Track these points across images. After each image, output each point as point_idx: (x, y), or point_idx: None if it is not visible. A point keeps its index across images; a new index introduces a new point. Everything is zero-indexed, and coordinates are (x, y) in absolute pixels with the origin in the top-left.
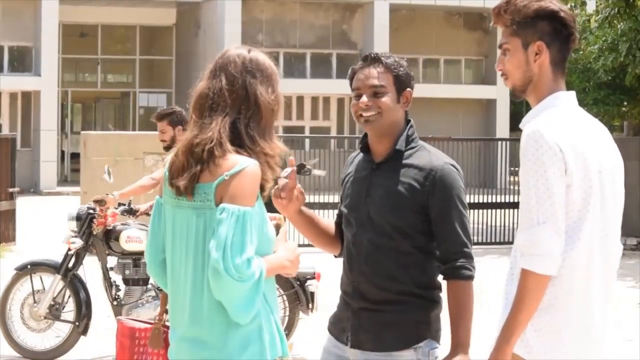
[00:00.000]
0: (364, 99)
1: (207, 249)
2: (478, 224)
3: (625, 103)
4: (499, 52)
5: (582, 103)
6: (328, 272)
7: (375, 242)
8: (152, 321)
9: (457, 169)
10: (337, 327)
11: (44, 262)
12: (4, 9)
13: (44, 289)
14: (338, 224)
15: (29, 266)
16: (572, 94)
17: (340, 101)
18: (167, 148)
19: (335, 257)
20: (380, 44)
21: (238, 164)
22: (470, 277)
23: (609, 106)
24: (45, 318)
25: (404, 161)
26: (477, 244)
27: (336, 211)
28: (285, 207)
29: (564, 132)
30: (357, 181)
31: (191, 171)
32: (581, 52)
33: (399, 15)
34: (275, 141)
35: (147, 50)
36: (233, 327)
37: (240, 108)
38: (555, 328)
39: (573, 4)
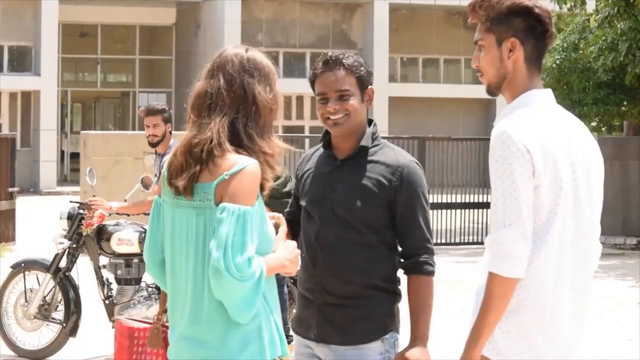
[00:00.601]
0: (331, 103)
1: (208, 248)
2: (477, 223)
3: (625, 103)
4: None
5: (581, 103)
6: None
7: (341, 237)
8: (151, 321)
9: (420, 167)
10: (303, 326)
11: (37, 260)
12: (4, 9)
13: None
14: (290, 221)
15: (22, 264)
16: (547, 92)
17: None
18: (155, 144)
19: None
20: (380, 44)
21: (238, 163)
22: (432, 273)
23: (608, 106)
24: (35, 318)
25: (369, 158)
26: (478, 243)
27: None
28: None
29: (533, 132)
30: (319, 177)
31: (190, 171)
32: (581, 52)
33: (398, 14)
34: (275, 140)
35: (147, 50)
36: (233, 327)
37: (238, 108)
38: (523, 330)
39: (572, 4)
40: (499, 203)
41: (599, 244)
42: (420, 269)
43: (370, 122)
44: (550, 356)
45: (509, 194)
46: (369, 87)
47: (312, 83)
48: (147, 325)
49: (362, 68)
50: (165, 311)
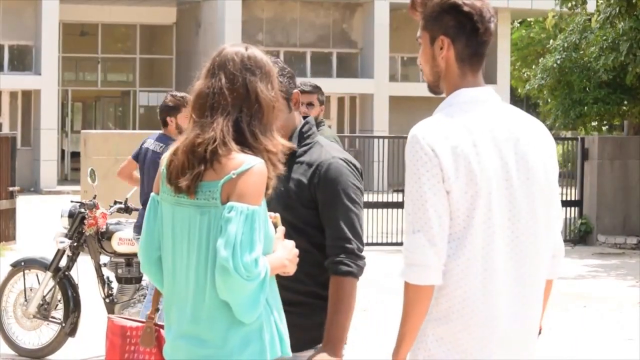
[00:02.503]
0: None
1: (212, 247)
2: None
3: (625, 102)
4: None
5: (582, 102)
6: None
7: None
8: (143, 319)
9: (348, 163)
10: None
11: (37, 259)
12: (4, 8)
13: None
14: None
15: (22, 263)
16: (480, 90)
17: (341, 100)
18: None
19: None
20: (381, 43)
21: (245, 162)
22: (349, 274)
23: (609, 105)
24: (34, 317)
25: (297, 159)
26: None
27: None
28: None
29: (444, 135)
30: None
31: (194, 170)
32: (581, 52)
33: (399, 14)
34: (278, 138)
35: (147, 49)
36: (234, 326)
37: (241, 106)
38: (454, 337)
39: (573, 3)
40: (409, 209)
41: (560, 243)
42: (334, 268)
43: (305, 120)
44: None
45: (416, 199)
46: (295, 91)
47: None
48: (140, 324)
49: (286, 71)
50: (157, 310)
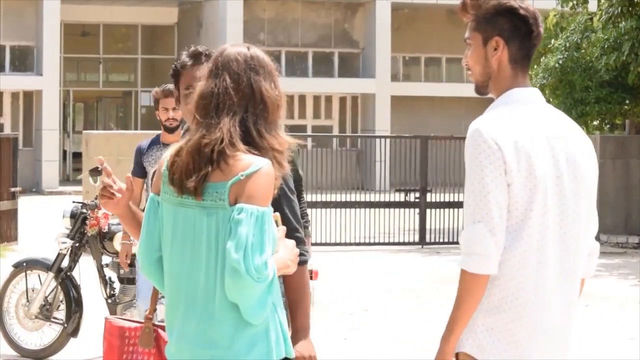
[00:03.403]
0: None
1: (221, 248)
2: None
3: (627, 101)
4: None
5: (584, 102)
6: (323, 270)
7: None
8: (141, 320)
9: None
10: None
11: (39, 260)
12: (6, 9)
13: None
14: None
15: (24, 264)
16: (530, 90)
17: (343, 100)
18: (174, 129)
19: None
20: (382, 43)
21: (253, 164)
22: (304, 262)
23: (610, 105)
24: (36, 317)
25: None
26: None
27: (338, 210)
28: (117, 203)
29: (506, 130)
30: None
31: (200, 172)
32: (583, 51)
33: (400, 13)
34: (283, 136)
35: (149, 50)
36: (242, 327)
37: (247, 106)
38: (506, 327)
39: (575, 2)
40: (470, 200)
41: (595, 243)
42: None
43: None
44: (534, 355)
45: (478, 191)
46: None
47: (177, 76)
48: (138, 325)
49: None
50: (155, 310)
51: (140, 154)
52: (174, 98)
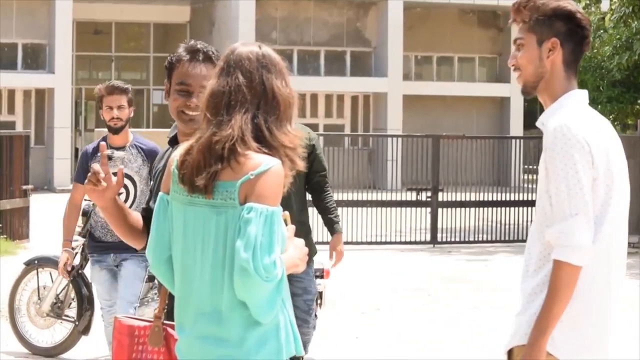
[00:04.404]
0: (195, 98)
1: (230, 247)
2: (492, 222)
3: (639, 101)
4: (513, 48)
5: (595, 101)
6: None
7: None
8: (150, 319)
9: None
10: None
11: (51, 258)
12: (18, 7)
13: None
14: (145, 217)
15: (36, 261)
16: (586, 92)
17: (355, 99)
18: (118, 131)
19: (137, 251)
20: (394, 42)
21: (263, 163)
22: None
23: (622, 104)
24: (47, 315)
25: None
26: (491, 242)
27: (350, 209)
28: (103, 194)
29: (588, 127)
30: None
31: (211, 169)
32: (595, 51)
33: (413, 13)
34: (293, 133)
35: (161, 48)
36: (252, 325)
37: (259, 103)
38: (576, 320)
39: (587, 2)
40: (564, 194)
41: (626, 239)
42: None
43: None
44: (600, 347)
45: (573, 184)
46: None
47: (171, 69)
48: (147, 324)
49: None
50: (164, 309)
51: (86, 157)
52: (120, 95)
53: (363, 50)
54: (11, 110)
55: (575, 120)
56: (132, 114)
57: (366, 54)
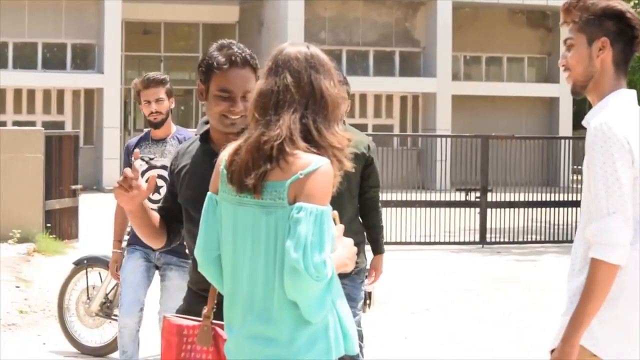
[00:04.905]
0: (240, 105)
1: (280, 247)
2: (541, 222)
3: None
4: (562, 48)
5: None
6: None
7: None
8: (199, 318)
9: None
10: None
11: (100, 257)
12: (67, 7)
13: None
14: (164, 217)
15: (85, 261)
16: (634, 92)
17: (403, 99)
18: (159, 125)
19: (154, 250)
20: (444, 42)
21: (312, 163)
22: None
23: None
24: (96, 315)
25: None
26: (540, 242)
27: (399, 209)
28: (133, 198)
29: (630, 125)
30: (200, 174)
31: (260, 169)
32: None
33: (462, 13)
34: (341, 133)
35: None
36: (302, 325)
37: (307, 103)
38: (621, 320)
39: (637, 1)
40: (602, 192)
41: None
42: None
43: None
44: None
45: (611, 183)
46: None
47: (209, 72)
48: (196, 323)
49: (259, 68)
50: (213, 308)
51: (128, 152)
52: (157, 87)
53: (412, 50)
54: (60, 110)
55: (616, 118)
56: (173, 105)
57: (415, 54)
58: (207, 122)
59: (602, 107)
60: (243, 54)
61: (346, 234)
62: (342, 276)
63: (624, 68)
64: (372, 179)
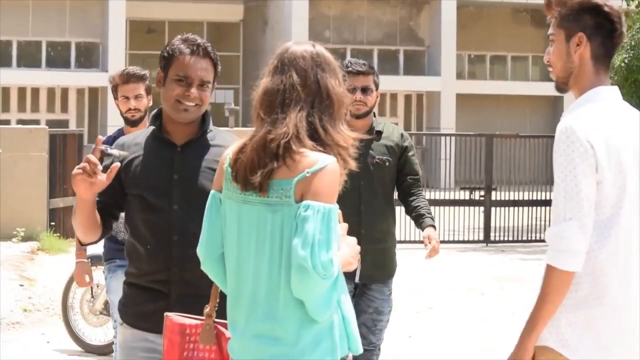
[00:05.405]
0: (194, 90)
1: (286, 245)
2: (545, 220)
3: None
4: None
5: None
6: None
7: (197, 223)
8: (201, 317)
9: None
10: (151, 320)
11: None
12: (72, 6)
13: None
14: (102, 210)
15: (89, 259)
16: (614, 89)
17: (408, 98)
18: (136, 123)
19: (84, 244)
20: (448, 41)
21: (319, 161)
22: None
23: None
24: (101, 313)
25: (211, 142)
26: (544, 241)
27: (402, 207)
28: (91, 186)
29: (597, 128)
30: (157, 164)
31: (266, 167)
32: None
33: (466, 11)
34: (347, 132)
35: (214, 47)
36: (307, 324)
37: (313, 102)
38: (590, 323)
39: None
40: (560, 197)
41: None
42: None
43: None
44: (616, 350)
45: (570, 188)
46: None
47: (169, 60)
48: (199, 322)
49: (219, 64)
50: (215, 306)
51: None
52: (137, 83)
53: (416, 49)
54: (64, 108)
55: (581, 121)
56: (150, 103)
57: (419, 53)
58: (158, 115)
59: (575, 107)
60: (205, 45)
61: (379, 235)
62: (371, 289)
63: (604, 62)
64: (408, 168)
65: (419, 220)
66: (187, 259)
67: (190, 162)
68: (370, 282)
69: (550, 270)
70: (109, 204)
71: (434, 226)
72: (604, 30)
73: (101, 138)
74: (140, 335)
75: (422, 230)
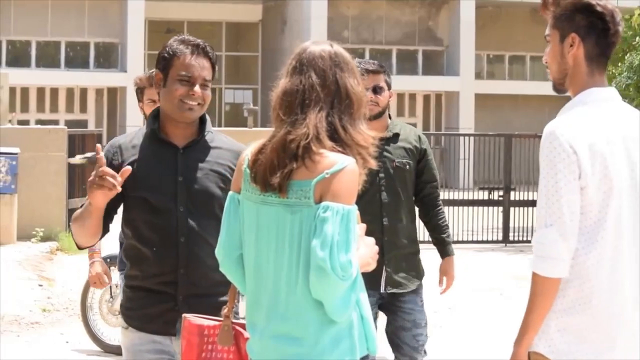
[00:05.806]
0: (197, 89)
1: (305, 246)
2: None
3: None
4: None
5: None
6: None
7: (203, 225)
8: (219, 318)
9: None
10: (158, 322)
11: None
12: (90, 6)
13: None
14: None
15: (108, 260)
16: (610, 90)
17: (427, 98)
18: None
19: (82, 248)
20: (467, 41)
21: (339, 162)
22: None
23: None
24: (119, 313)
25: (211, 144)
26: None
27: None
28: (105, 195)
29: (581, 133)
30: (159, 165)
31: (286, 168)
32: None
33: (485, 11)
34: (367, 132)
35: (233, 47)
36: (326, 324)
37: (333, 102)
38: (578, 328)
39: None
40: (542, 203)
41: None
42: None
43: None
44: (607, 356)
45: (551, 194)
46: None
47: (169, 60)
48: (217, 323)
49: (217, 65)
50: (233, 308)
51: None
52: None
53: (435, 49)
54: (83, 109)
55: (565, 126)
56: None
57: (438, 53)
58: (156, 116)
59: (567, 109)
60: (204, 45)
61: (402, 241)
62: (403, 301)
63: (599, 62)
64: (427, 174)
65: (438, 246)
66: (194, 260)
67: (193, 164)
68: (398, 288)
69: (534, 277)
70: (108, 206)
71: (453, 255)
72: (597, 29)
73: (99, 146)
74: (147, 338)
75: (441, 259)
